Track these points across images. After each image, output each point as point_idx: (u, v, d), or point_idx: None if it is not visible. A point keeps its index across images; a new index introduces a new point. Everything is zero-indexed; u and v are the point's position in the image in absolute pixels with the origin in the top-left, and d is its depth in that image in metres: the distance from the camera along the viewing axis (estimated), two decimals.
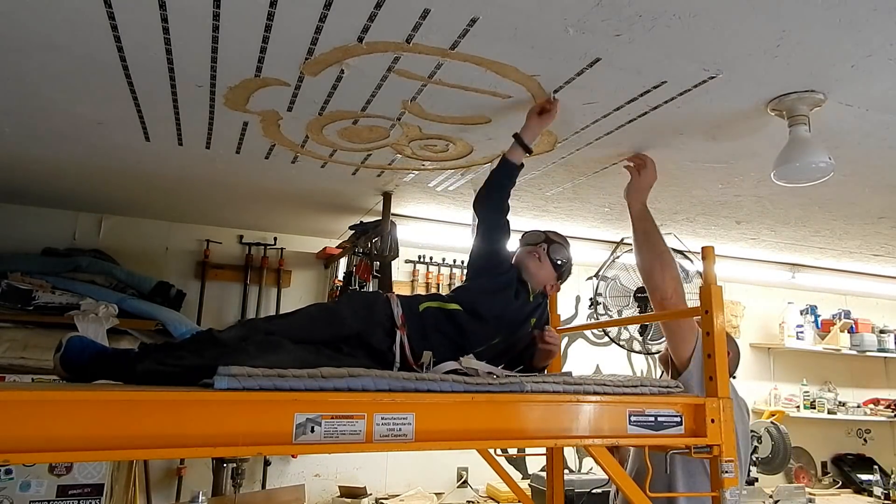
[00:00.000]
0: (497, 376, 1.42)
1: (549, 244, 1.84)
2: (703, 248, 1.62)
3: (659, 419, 1.48)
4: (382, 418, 1.19)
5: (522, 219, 3.12)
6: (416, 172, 2.50)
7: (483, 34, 1.42)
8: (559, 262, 1.83)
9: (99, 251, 3.25)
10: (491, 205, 1.74)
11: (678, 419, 1.50)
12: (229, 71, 1.65)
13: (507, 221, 1.76)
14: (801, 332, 4.70)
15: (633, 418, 1.45)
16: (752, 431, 4.17)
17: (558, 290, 1.88)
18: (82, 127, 2.09)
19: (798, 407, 4.65)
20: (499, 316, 1.67)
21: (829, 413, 4.66)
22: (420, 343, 1.54)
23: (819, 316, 4.97)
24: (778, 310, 4.86)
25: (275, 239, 3.72)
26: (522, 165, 1.77)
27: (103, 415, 1.03)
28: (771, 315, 4.89)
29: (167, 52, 1.54)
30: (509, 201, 1.76)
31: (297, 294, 3.74)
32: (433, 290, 3.95)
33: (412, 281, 3.95)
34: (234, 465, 3.08)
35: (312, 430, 1.13)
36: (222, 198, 3.02)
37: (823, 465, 4.81)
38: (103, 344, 1.48)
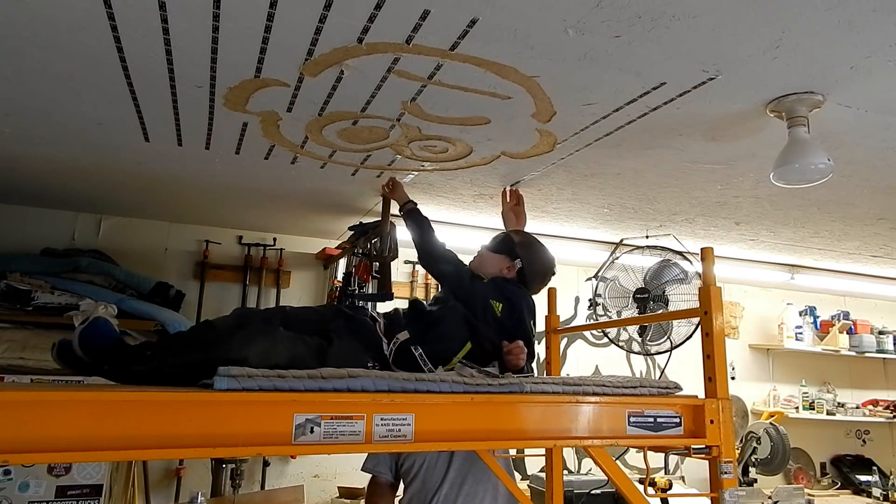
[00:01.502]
0: (496, 376, 1.42)
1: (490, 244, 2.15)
2: (702, 249, 1.63)
3: (658, 420, 1.48)
4: (382, 419, 1.19)
5: None
6: (416, 173, 2.50)
7: (483, 35, 1.42)
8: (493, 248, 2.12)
9: (98, 251, 3.24)
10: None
11: (677, 420, 1.50)
12: (229, 71, 1.65)
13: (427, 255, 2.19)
14: (800, 334, 4.70)
15: (632, 419, 1.45)
16: (751, 432, 4.17)
17: (515, 268, 2.03)
18: (82, 127, 2.09)
19: (797, 408, 4.65)
20: (449, 282, 2.04)
21: (828, 414, 4.66)
22: (391, 329, 1.70)
23: (818, 317, 4.97)
24: (777, 311, 4.86)
25: (274, 239, 3.72)
26: (410, 210, 2.32)
27: (102, 415, 1.03)
28: (770, 316, 4.89)
29: (167, 52, 1.54)
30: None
31: (297, 294, 3.74)
32: (432, 291, 3.96)
33: (411, 282, 3.95)
34: (233, 465, 3.08)
35: (312, 431, 1.13)
36: (222, 198, 3.01)
37: (822, 466, 4.81)
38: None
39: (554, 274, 2.11)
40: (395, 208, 2.89)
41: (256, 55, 1.55)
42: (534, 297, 2.03)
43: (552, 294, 2.32)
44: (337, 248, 3.59)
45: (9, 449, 0.97)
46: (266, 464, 3.43)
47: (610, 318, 2.73)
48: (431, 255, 2.13)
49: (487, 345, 1.72)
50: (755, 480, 4.10)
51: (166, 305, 3.07)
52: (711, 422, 1.49)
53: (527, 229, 2.47)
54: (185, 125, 2.04)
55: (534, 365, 1.95)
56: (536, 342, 1.94)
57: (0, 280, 2.69)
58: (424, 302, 1.92)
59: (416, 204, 2.35)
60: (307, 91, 1.75)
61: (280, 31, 1.43)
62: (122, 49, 1.53)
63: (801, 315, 4.84)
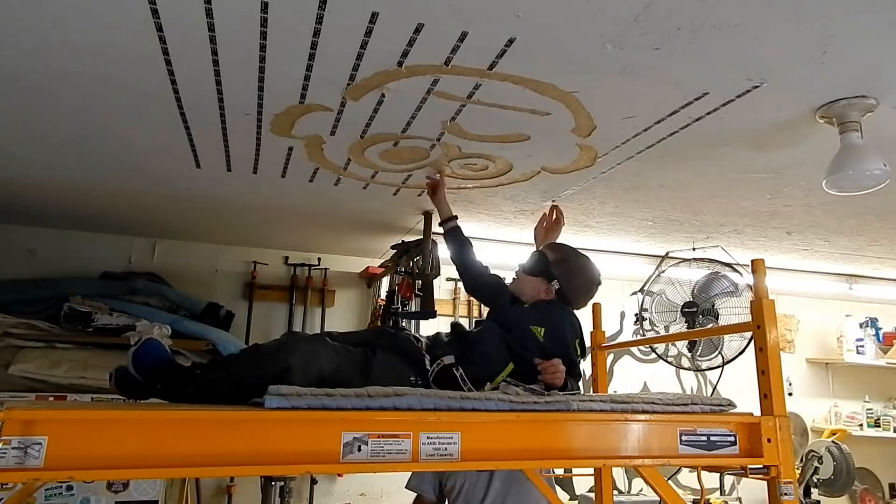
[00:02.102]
0: (541, 394, 1.41)
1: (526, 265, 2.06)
2: (752, 260, 1.58)
3: (712, 438, 1.43)
4: (428, 437, 1.19)
5: (564, 234, 3.08)
6: (457, 191, 2.52)
7: (520, 53, 1.43)
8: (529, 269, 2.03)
9: (153, 274, 3.37)
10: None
11: (732, 438, 1.45)
12: (275, 99, 1.71)
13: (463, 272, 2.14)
14: (862, 347, 4.48)
15: (684, 438, 1.41)
16: (812, 451, 3.99)
17: (553, 289, 1.96)
18: (138, 156, 2.19)
19: (861, 425, 4.42)
20: (488, 304, 2.06)
21: (895, 432, 4.42)
22: (433, 349, 1.71)
23: (880, 329, 4.73)
24: (835, 323, 4.65)
25: (319, 259, 3.79)
26: (451, 228, 2.22)
27: (159, 433, 1.07)
28: (827, 329, 4.68)
29: (217, 83, 1.61)
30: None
31: (342, 313, 3.79)
32: (475, 309, 3.95)
33: (454, 299, 3.96)
34: (282, 483, 3.12)
35: (359, 449, 1.15)
36: (268, 220, 3.10)
37: (891, 486, 4.54)
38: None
39: (599, 284, 2.03)
40: (436, 226, 2.92)
41: (301, 82, 1.60)
42: (580, 310, 2.00)
43: (597, 309, 2.28)
44: (380, 266, 3.64)
45: (72, 465, 1.01)
46: (314, 482, 3.46)
47: (657, 332, 2.67)
48: (471, 277, 2.10)
49: (529, 367, 1.71)
50: (818, 502, 3.91)
51: (217, 325, 3.16)
52: (769, 440, 1.44)
53: (566, 244, 2.44)
54: (234, 151, 2.12)
55: (580, 383, 1.92)
56: (583, 359, 1.90)
57: (63, 303, 2.82)
58: (465, 326, 1.97)
59: (457, 219, 2.25)
60: (350, 114, 1.79)
61: (323, 58, 1.47)
62: (175, 82, 1.61)
63: (861, 327, 4.62)
